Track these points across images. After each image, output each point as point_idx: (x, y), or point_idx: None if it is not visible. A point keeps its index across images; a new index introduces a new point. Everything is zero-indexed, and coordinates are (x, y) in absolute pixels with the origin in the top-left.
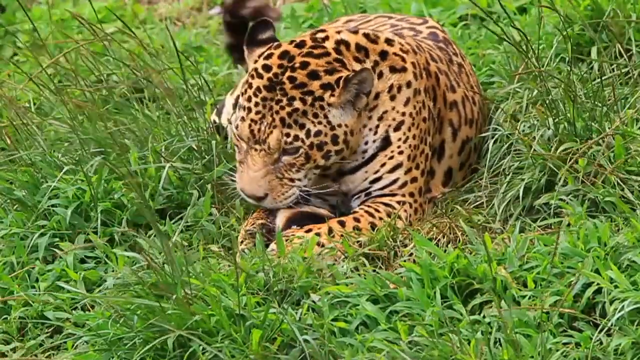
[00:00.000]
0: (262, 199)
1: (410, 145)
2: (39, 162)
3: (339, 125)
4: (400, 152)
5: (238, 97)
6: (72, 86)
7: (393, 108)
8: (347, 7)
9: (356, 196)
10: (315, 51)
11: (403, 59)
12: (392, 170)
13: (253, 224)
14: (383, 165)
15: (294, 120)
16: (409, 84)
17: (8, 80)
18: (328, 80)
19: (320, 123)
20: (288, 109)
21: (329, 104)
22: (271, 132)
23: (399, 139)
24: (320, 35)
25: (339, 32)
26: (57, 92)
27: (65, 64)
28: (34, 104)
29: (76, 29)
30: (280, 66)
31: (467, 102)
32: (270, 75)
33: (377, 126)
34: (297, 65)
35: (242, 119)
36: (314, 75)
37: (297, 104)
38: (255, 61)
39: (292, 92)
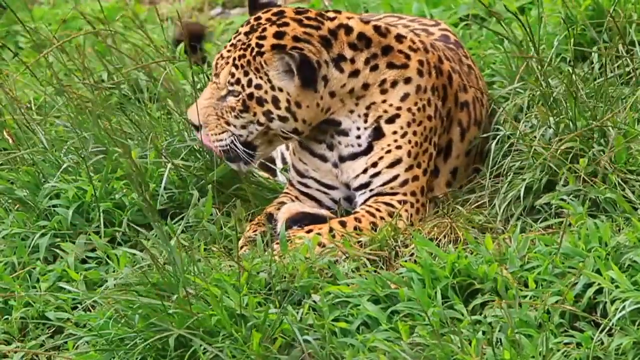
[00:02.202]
0: (198, 129)
1: (410, 142)
2: (41, 161)
3: (280, 90)
4: (399, 147)
5: None
6: (75, 85)
7: (384, 101)
8: (349, 8)
9: (360, 192)
10: (306, 21)
11: (407, 56)
12: (392, 165)
13: (255, 231)
14: (381, 158)
15: (241, 65)
16: (407, 80)
17: (9, 80)
18: (285, 43)
19: (261, 78)
20: (240, 52)
21: (266, 62)
22: (223, 68)
23: (394, 132)
24: (330, 14)
25: (350, 18)
26: (61, 89)
27: (68, 62)
28: (35, 104)
29: (77, 29)
30: (268, 19)
31: (477, 104)
32: (254, 23)
33: (366, 114)
34: (279, 22)
35: (218, 53)
36: (279, 35)
37: (247, 52)
38: None
39: (252, 41)
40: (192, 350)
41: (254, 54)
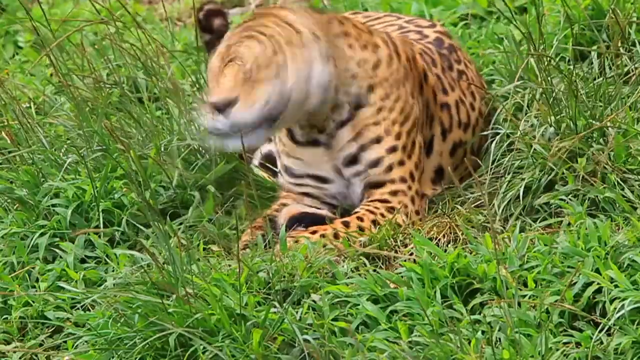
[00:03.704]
0: (233, 103)
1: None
2: (40, 161)
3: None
4: (377, 124)
5: None
6: (75, 83)
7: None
8: (348, 8)
9: (351, 167)
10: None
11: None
12: (375, 141)
13: (253, 234)
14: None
15: (266, 38)
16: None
17: (8, 80)
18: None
19: (290, 49)
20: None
21: (294, 41)
22: (239, 46)
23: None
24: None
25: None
26: (62, 87)
27: (68, 62)
28: (34, 103)
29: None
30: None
31: (461, 107)
32: (254, 21)
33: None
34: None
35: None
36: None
37: (274, 32)
38: None
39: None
40: (191, 350)
41: (283, 33)
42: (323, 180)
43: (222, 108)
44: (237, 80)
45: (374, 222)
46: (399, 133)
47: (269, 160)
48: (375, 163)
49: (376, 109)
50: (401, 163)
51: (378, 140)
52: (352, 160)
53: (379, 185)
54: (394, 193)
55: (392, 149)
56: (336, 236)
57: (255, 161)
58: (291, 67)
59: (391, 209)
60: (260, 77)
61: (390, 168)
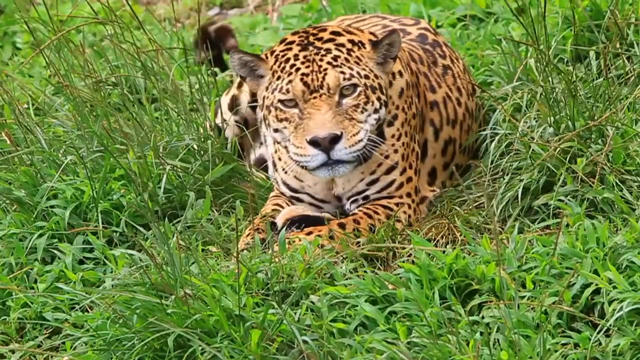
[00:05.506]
0: (338, 140)
1: (403, 144)
2: (39, 161)
3: (380, 77)
4: (395, 151)
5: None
6: (73, 84)
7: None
8: (347, 8)
9: (352, 198)
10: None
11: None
12: (388, 171)
13: (252, 237)
14: (379, 165)
15: (341, 63)
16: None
17: (7, 80)
18: (352, 38)
19: (364, 69)
20: (330, 56)
21: (362, 56)
22: (325, 73)
23: (392, 136)
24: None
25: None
26: (61, 87)
27: (66, 63)
28: (33, 104)
29: (77, 31)
30: (301, 36)
31: (449, 103)
32: (297, 40)
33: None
34: (317, 32)
35: (290, 81)
36: (337, 33)
37: (335, 52)
38: (272, 52)
39: (326, 45)
40: (190, 351)
41: (344, 51)
42: (320, 200)
43: (322, 143)
44: (334, 114)
45: (371, 226)
46: (408, 154)
47: (260, 163)
48: (389, 185)
49: (397, 138)
50: (409, 180)
51: (393, 167)
52: (360, 192)
53: (386, 198)
54: (399, 205)
55: (404, 170)
56: (331, 238)
57: (251, 161)
58: (369, 82)
59: (391, 217)
60: (360, 118)
61: (400, 186)
